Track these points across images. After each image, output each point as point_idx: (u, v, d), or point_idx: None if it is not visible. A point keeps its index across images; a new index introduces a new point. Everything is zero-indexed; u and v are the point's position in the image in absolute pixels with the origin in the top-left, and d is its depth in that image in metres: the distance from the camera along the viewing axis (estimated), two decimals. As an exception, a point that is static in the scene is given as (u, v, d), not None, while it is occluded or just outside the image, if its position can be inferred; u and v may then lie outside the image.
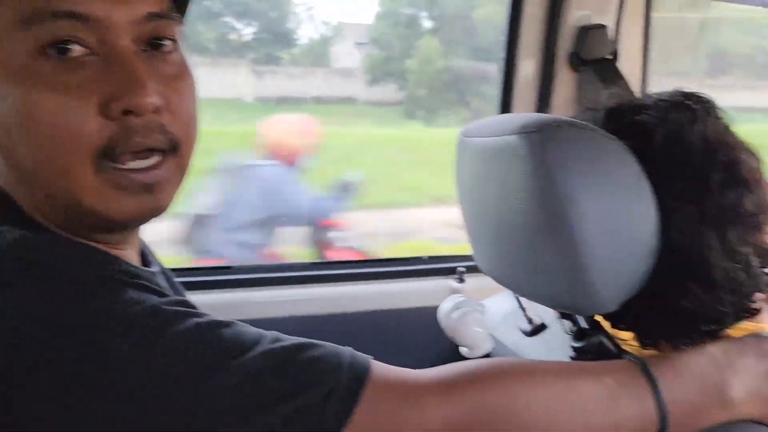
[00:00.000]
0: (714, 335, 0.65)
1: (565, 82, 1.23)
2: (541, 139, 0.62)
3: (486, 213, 0.75)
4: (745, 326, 0.69)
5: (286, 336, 0.52)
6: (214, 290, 1.20)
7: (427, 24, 6.71)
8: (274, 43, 5.89)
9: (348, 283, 1.28)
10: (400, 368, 0.54)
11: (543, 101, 1.25)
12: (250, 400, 0.47)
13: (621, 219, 0.62)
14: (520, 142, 0.63)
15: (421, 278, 1.32)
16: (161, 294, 0.50)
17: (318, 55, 6.34)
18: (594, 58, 1.19)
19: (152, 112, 0.50)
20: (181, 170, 0.56)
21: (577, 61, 1.20)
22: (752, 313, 0.65)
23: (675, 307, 0.64)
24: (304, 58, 6.24)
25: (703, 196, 0.62)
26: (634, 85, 1.24)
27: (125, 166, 0.50)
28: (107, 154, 0.49)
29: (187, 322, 0.48)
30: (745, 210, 0.62)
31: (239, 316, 1.22)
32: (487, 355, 0.71)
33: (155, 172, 0.52)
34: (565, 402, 0.57)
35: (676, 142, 0.64)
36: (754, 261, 0.63)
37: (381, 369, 0.53)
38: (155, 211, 0.54)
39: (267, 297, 1.24)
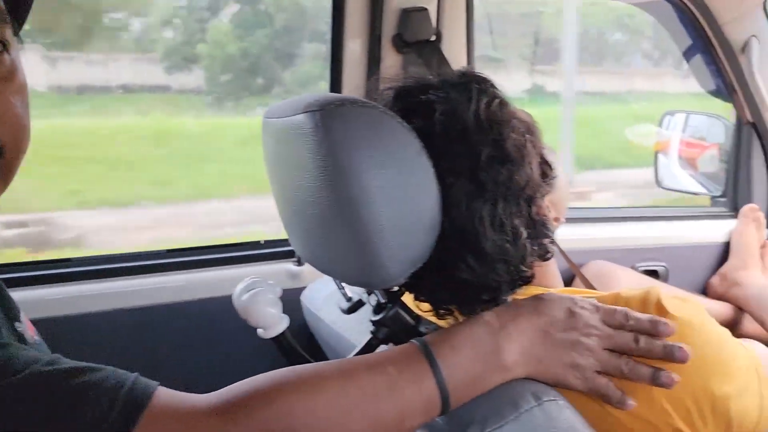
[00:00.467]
0: (495, 302, 0.70)
1: (391, 63, 1.25)
2: (323, 117, 0.63)
3: (287, 194, 0.75)
4: (530, 290, 0.75)
5: (67, 360, 0.52)
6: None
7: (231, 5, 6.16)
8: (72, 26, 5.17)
9: (182, 271, 1.25)
10: (186, 394, 0.55)
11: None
12: (9, 423, 0.46)
13: (403, 195, 0.64)
14: (305, 120, 0.64)
15: (259, 263, 1.31)
16: None
17: (125, 39, 5.64)
18: (417, 40, 1.23)
19: None
20: (4, 175, 0.55)
21: (401, 43, 1.23)
22: (526, 280, 0.70)
23: (455, 278, 0.68)
24: (106, 42, 5.49)
25: (476, 171, 0.66)
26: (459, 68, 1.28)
27: None
28: None
29: None
30: (514, 185, 0.66)
31: (75, 310, 1.16)
32: (282, 334, 0.71)
33: None
34: (348, 401, 0.58)
35: (453, 120, 0.67)
36: (524, 233, 0.67)
37: (165, 395, 0.53)
38: None
39: (101, 289, 1.18)
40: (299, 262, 1.30)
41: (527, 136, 0.70)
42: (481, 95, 0.68)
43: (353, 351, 0.77)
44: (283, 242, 1.33)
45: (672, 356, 0.64)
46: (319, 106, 0.64)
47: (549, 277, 0.85)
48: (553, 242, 0.73)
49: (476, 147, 0.66)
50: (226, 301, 1.21)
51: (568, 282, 1.33)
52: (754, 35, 1.55)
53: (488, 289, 0.68)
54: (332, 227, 0.66)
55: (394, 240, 0.64)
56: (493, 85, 0.71)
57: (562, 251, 1.04)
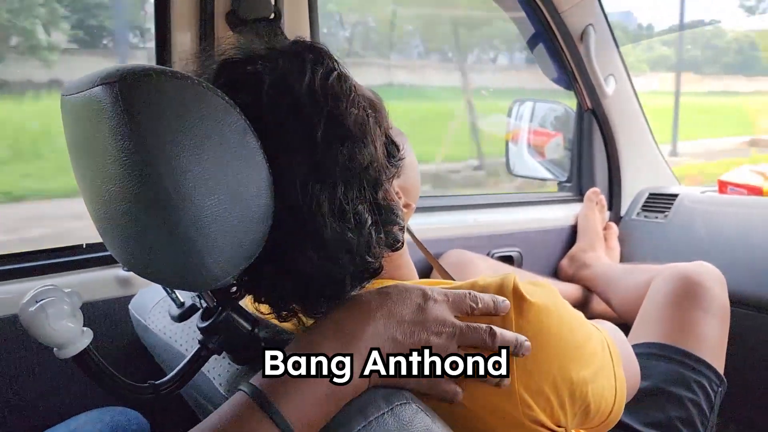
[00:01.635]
0: (339, 297, 0.62)
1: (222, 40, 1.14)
2: (123, 89, 0.51)
3: (89, 182, 0.62)
4: (380, 283, 0.67)
5: None
6: None
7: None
8: None
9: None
10: None
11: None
12: None
13: (226, 181, 0.53)
14: (102, 93, 0.52)
15: (82, 270, 1.14)
16: None
17: None
18: (254, 18, 1.12)
19: None
20: None
21: (236, 20, 1.12)
22: (373, 273, 0.63)
23: (294, 271, 0.59)
24: None
25: (311, 150, 0.57)
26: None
27: None
28: None
29: None
30: (356, 165, 0.58)
31: None
32: (84, 352, 0.58)
33: None
34: None
35: (283, 92, 0.58)
36: (368, 220, 0.59)
37: None
38: None
39: None
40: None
41: (370, 111, 0.62)
42: (316, 65, 0.60)
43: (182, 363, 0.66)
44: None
45: (518, 353, 0.60)
46: (119, 76, 0.52)
47: (401, 267, 0.78)
48: (402, 230, 0.66)
49: (310, 123, 0.57)
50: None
51: (425, 273, 1.29)
52: (591, 24, 1.61)
53: (331, 282, 0.60)
54: (145, 223, 0.54)
55: (217, 234, 0.54)
56: (330, 56, 0.62)
57: (417, 240, 0.99)
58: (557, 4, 1.58)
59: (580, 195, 1.84)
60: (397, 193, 0.71)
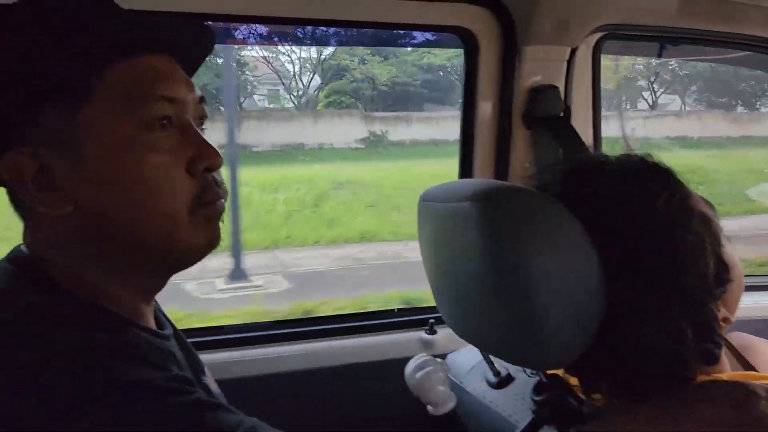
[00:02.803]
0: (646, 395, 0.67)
1: (520, 138, 1.30)
2: (491, 206, 0.67)
3: (445, 272, 0.80)
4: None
5: (264, 425, 0.57)
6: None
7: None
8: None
9: (325, 339, 1.31)
10: None
11: (502, 157, 1.32)
12: None
13: (568, 278, 0.66)
14: (472, 209, 0.68)
15: (394, 331, 1.35)
16: (162, 367, 0.56)
17: None
18: (546, 115, 1.27)
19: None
20: None
21: (531, 119, 1.28)
22: (680, 381, 0.66)
23: (612, 364, 0.66)
24: None
25: (643, 268, 0.65)
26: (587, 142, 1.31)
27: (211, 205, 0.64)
28: (198, 200, 0.63)
29: (171, 400, 0.52)
30: (683, 286, 0.65)
31: (229, 375, 1.23)
32: (452, 412, 0.74)
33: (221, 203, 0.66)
34: None
35: (626, 212, 0.67)
36: (689, 335, 0.65)
37: None
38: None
39: (253, 355, 1.26)
40: (431, 331, 1.33)
41: (705, 236, 0.67)
42: (661, 189, 0.68)
43: (515, 430, 0.79)
44: (415, 310, 1.37)
45: None
46: (486, 195, 0.68)
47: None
48: (719, 347, 0.69)
49: (647, 244, 0.65)
50: (362, 368, 1.28)
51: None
52: None
53: (644, 380, 0.67)
54: (497, 307, 0.69)
55: (561, 323, 0.66)
56: (674, 179, 0.70)
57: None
58: None
59: None
60: (717, 309, 0.72)
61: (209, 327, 1.34)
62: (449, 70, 9.58)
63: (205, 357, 1.16)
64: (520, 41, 1.26)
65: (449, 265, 0.78)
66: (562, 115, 1.28)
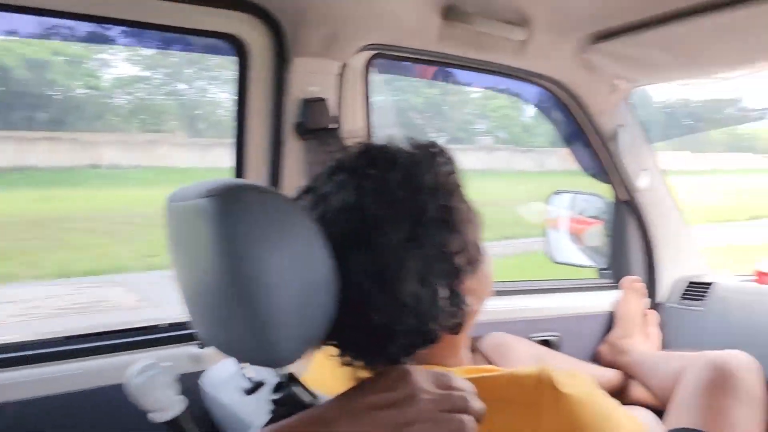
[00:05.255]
0: (389, 356, 0.71)
1: (293, 147, 1.31)
2: (223, 202, 0.66)
3: (187, 276, 0.77)
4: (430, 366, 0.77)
5: None
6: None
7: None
8: None
9: (76, 360, 1.20)
10: None
11: (274, 167, 1.32)
12: None
13: (298, 279, 0.67)
14: (206, 205, 0.67)
15: (159, 347, 1.28)
16: None
17: None
18: (317, 127, 1.30)
19: None
20: None
21: (303, 130, 1.30)
22: (426, 342, 0.72)
23: (367, 320, 0.69)
24: None
25: (416, 225, 0.70)
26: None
27: None
28: None
29: None
30: (448, 249, 0.72)
31: None
32: (177, 418, 0.71)
33: None
34: None
35: (412, 175, 0.73)
36: (443, 294, 0.71)
37: None
38: None
39: None
40: (202, 345, 1.28)
41: (472, 214, 0.78)
42: (443, 162, 0.76)
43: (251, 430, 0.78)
44: (184, 325, 1.31)
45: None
46: (219, 191, 0.67)
47: (448, 357, 0.85)
48: (465, 317, 0.76)
49: (424, 205, 0.71)
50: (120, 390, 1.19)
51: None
52: (620, 125, 1.74)
53: (389, 336, 0.70)
54: (229, 309, 0.68)
55: (290, 321, 0.67)
56: (452, 158, 0.79)
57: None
58: (589, 107, 1.73)
59: (618, 282, 1.91)
60: (467, 290, 0.78)
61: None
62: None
63: None
64: (291, 52, 1.28)
65: (188, 268, 0.76)
66: (333, 127, 1.32)
